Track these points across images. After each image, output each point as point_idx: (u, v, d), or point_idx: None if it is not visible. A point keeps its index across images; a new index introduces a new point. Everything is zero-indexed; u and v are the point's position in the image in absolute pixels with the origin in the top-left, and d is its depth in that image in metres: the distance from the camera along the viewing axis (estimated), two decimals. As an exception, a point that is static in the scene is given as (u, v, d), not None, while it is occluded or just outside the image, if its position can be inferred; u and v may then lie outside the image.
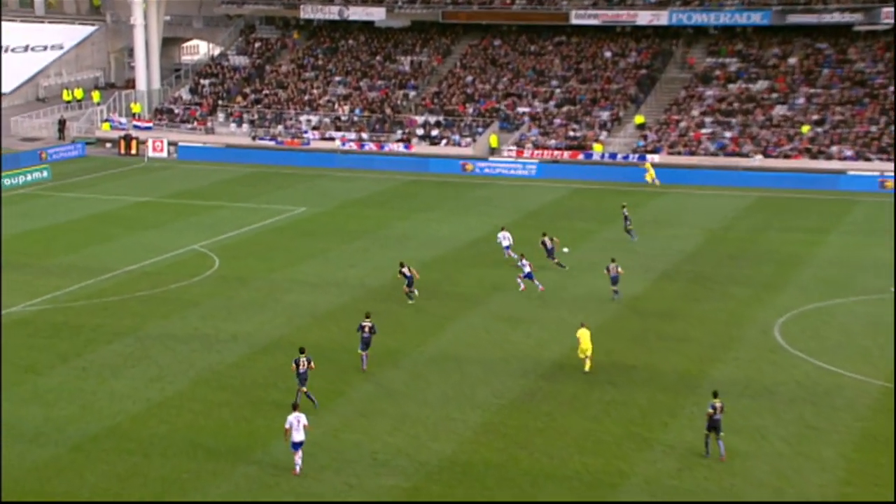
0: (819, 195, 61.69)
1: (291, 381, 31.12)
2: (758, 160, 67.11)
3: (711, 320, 38.19)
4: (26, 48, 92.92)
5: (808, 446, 27.69)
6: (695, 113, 72.66)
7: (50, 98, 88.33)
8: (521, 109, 75.69)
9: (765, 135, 69.16)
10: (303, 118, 77.27)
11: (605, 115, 73.97)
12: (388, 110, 77.03)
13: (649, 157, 67.35)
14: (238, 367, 32.53)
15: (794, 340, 35.82)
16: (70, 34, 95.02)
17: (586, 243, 48.40)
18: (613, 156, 69.25)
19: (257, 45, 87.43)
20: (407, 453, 27.07)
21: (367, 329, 32.67)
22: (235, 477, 25.80)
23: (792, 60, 75.48)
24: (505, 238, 45.49)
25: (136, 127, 77.22)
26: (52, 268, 44.25)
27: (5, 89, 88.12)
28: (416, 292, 39.73)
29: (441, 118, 75.29)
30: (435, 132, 74.16)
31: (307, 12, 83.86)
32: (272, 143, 74.90)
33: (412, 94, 79.03)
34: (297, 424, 25.77)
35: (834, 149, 67.08)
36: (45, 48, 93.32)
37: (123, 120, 78.56)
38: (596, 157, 69.31)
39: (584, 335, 32.71)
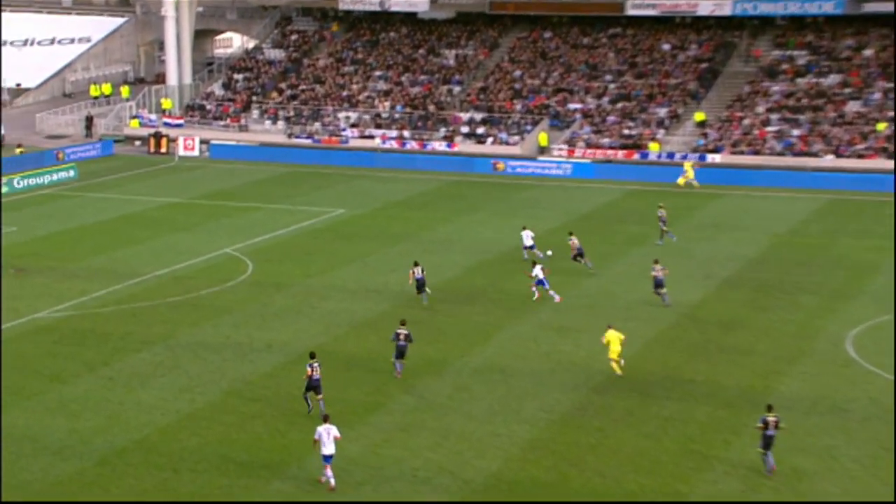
0: (895, 198, 60.91)
1: (328, 392, 31.25)
2: (829, 160, 66.35)
3: (777, 331, 37.84)
4: (53, 41, 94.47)
5: (882, 468, 27.31)
6: (760, 109, 72.03)
7: (77, 93, 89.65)
8: (572, 106, 75.50)
9: (836, 133, 68.40)
10: (341, 115, 77.70)
11: (662, 111, 73.55)
12: (430, 107, 77.21)
13: (690, 156, 67.09)
14: (272, 377, 32.73)
15: (867, 354, 35.37)
16: (98, 26, 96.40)
17: (640, 248, 48.14)
18: (671, 155, 68.83)
19: (294, 37, 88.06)
20: (450, 470, 27.07)
21: (402, 337, 32.89)
22: (269, 493, 25.95)
23: (867, 52, 74.54)
24: (528, 237, 46.30)
25: (166, 124, 78.05)
26: (79, 271, 44.85)
27: (30, 84, 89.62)
28: (429, 291, 40.23)
29: (487, 115, 75.32)
30: (480, 130, 74.19)
31: (346, 3, 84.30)
32: (309, 142, 75.37)
33: (457, 89, 79.14)
34: (328, 436, 25.92)
35: (911, 148, 66.26)
36: (73, 41, 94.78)
37: (153, 117, 79.44)
38: (652, 157, 68.95)
39: (613, 338, 33.01)
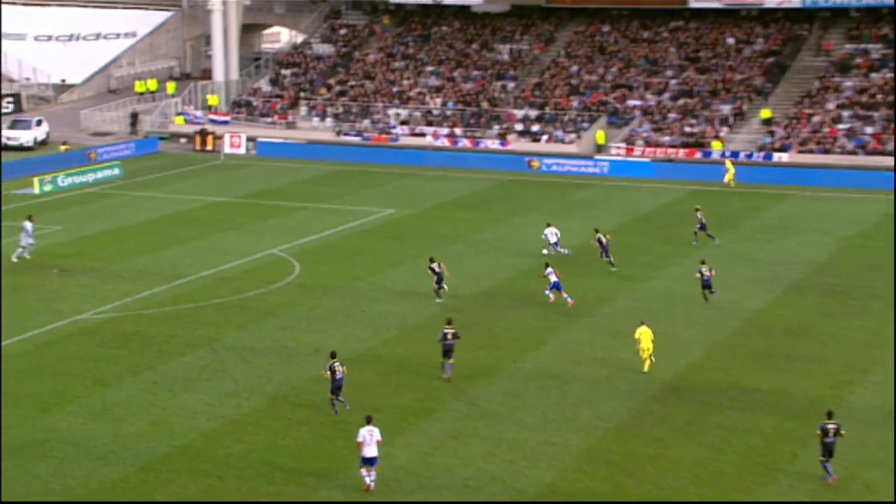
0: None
1: (377, 398, 31.45)
2: (903, 159, 65.47)
3: (847, 339, 37.40)
4: (98, 36, 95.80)
5: (958, 484, 26.87)
6: (830, 106, 71.15)
7: (122, 90, 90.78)
8: (631, 103, 75.12)
9: (912, 130, 67.45)
10: (391, 112, 77.96)
11: (726, 108, 72.95)
12: (484, 103, 77.22)
13: (728, 154, 66.76)
14: (319, 382, 32.89)
15: (942, 363, 34.83)
16: (144, 21, 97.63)
17: (700, 251, 47.71)
18: (735, 154, 68.23)
19: (343, 32, 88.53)
20: (502, 480, 27.06)
21: (449, 336, 33.21)
22: (316, 501, 26.11)
23: (945, 46, 73.49)
24: (552, 234, 46.86)
25: (212, 121, 78.81)
26: (123, 272, 45.42)
27: (76, 80, 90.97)
28: (446, 287, 40.87)
29: (542, 112, 75.18)
30: (535, 127, 74.07)
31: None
32: (358, 139, 75.70)
33: (511, 85, 79.08)
34: (370, 439, 26.11)
35: None
36: (118, 36, 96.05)
37: (199, 113, 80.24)
38: (715, 156, 68.38)
39: (644, 334, 33.56)
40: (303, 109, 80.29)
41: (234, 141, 75.13)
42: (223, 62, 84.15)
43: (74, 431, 29.57)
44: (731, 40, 78.72)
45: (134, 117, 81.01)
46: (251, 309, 40.45)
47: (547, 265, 41.25)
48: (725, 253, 48.04)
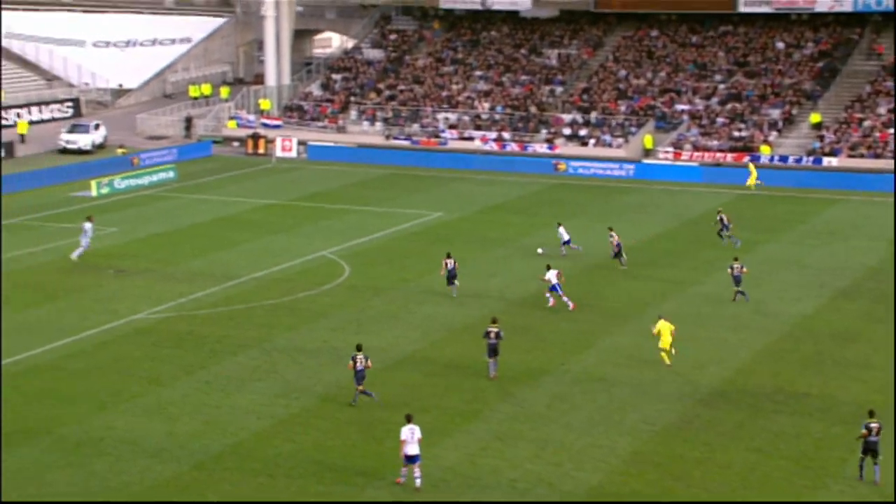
0: None
1: (425, 399, 31.49)
2: (954, 164, 64.49)
3: (896, 345, 36.91)
4: (154, 42, 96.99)
5: None
6: (881, 111, 70.24)
7: (177, 94, 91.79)
8: (679, 107, 74.65)
9: (962, 135, 66.44)
10: (440, 116, 78.09)
11: (775, 113, 72.29)
12: (532, 108, 77.11)
13: (748, 159, 66.43)
14: (368, 383, 32.97)
15: None
16: (199, 27, 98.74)
17: (747, 256, 47.31)
18: (784, 159, 67.57)
19: (393, 37, 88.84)
20: (549, 482, 27.01)
21: (493, 335, 33.39)
22: (364, 501, 26.23)
23: None
24: (564, 233, 47.93)
25: (264, 125, 79.41)
26: (177, 273, 45.89)
27: (132, 84, 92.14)
28: (458, 283, 41.54)
29: (590, 116, 74.94)
30: (583, 132, 73.85)
31: (447, 1, 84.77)
32: (407, 143, 75.92)
33: (559, 90, 78.91)
34: (412, 437, 26.24)
35: None
36: (173, 42, 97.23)
37: (251, 117, 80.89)
38: (764, 161, 67.76)
39: (664, 328, 33.77)
40: (353, 113, 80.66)
41: (286, 145, 75.67)
42: (275, 67, 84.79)
43: (130, 429, 29.92)
44: (780, 44, 78.01)
45: (188, 121, 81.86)
46: (302, 310, 40.70)
47: (548, 267, 41.13)
48: (770, 258, 47.58)
